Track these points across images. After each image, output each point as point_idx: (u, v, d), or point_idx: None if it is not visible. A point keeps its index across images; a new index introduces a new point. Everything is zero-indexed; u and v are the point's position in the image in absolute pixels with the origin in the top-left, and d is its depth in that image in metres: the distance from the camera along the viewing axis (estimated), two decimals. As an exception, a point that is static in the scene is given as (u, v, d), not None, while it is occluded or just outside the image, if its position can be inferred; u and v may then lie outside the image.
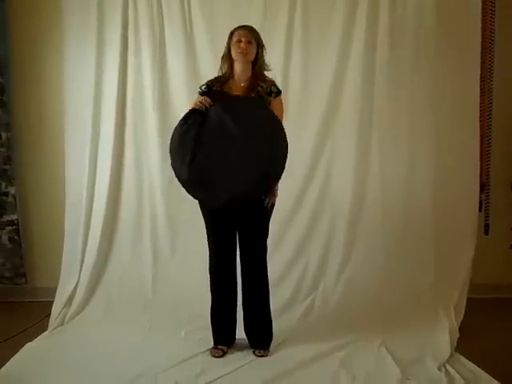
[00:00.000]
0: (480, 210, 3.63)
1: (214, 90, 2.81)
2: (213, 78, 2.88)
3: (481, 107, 3.55)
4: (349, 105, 3.53)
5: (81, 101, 3.57)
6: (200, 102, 2.75)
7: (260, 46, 2.82)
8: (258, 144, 2.67)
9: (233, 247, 2.91)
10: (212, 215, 2.85)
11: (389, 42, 3.48)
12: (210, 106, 2.73)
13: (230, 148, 2.69)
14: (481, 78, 3.52)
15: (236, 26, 2.84)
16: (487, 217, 3.73)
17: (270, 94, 2.81)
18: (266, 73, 2.88)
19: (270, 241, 2.94)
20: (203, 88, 2.82)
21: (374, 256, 3.55)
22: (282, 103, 2.89)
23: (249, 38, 2.77)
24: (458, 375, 2.59)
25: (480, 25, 3.46)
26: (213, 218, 2.85)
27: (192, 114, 2.76)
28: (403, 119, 3.53)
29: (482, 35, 3.50)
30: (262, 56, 2.84)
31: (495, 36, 3.59)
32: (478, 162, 3.55)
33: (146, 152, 3.64)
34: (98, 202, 3.61)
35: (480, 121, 3.54)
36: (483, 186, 3.66)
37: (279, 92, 2.85)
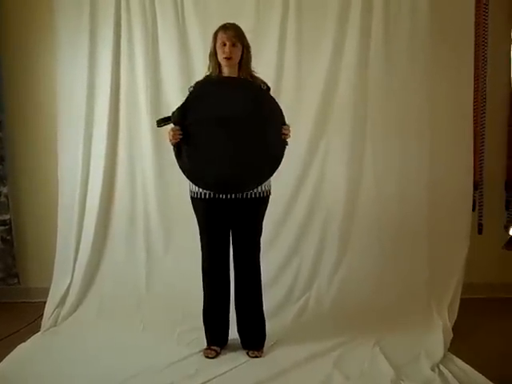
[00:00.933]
0: (473, 209, 3.63)
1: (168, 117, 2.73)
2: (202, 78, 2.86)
3: (474, 105, 3.56)
4: (342, 102, 3.52)
5: (74, 100, 3.55)
6: (172, 137, 2.66)
7: (245, 47, 2.79)
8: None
9: (226, 246, 2.89)
10: (205, 214, 2.83)
11: (383, 38, 3.47)
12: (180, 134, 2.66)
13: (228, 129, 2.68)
14: (474, 75, 3.52)
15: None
16: (481, 216, 3.72)
17: None
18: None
19: (263, 240, 2.93)
20: (160, 121, 2.73)
21: (368, 255, 3.55)
22: None
23: (233, 41, 2.73)
24: (451, 375, 2.59)
25: (473, 20, 3.47)
26: (206, 216, 2.83)
27: (177, 150, 2.70)
28: (397, 118, 3.52)
29: (476, 32, 3.50)
30: (248, 57, 2.81)
31: (488, 32, 3.59)
32: (472, 161, 3.56)
33: (139, 151, 3.62)
34: (91, 202, 3.59)
35: (473, 119, 3.55)
36: (476, 185, 3.66)
37: (268, 88, 2.84)
